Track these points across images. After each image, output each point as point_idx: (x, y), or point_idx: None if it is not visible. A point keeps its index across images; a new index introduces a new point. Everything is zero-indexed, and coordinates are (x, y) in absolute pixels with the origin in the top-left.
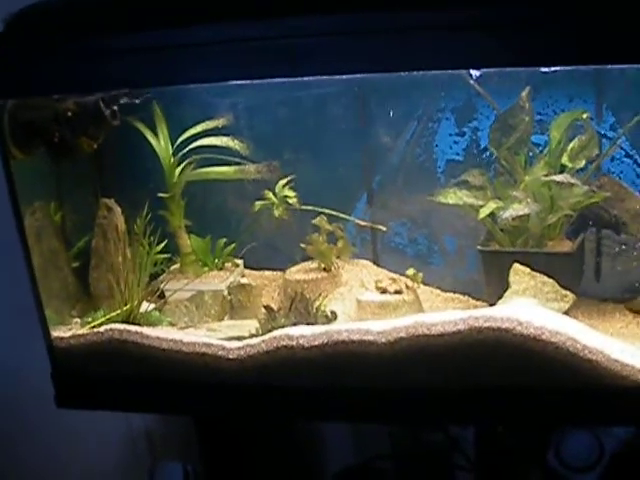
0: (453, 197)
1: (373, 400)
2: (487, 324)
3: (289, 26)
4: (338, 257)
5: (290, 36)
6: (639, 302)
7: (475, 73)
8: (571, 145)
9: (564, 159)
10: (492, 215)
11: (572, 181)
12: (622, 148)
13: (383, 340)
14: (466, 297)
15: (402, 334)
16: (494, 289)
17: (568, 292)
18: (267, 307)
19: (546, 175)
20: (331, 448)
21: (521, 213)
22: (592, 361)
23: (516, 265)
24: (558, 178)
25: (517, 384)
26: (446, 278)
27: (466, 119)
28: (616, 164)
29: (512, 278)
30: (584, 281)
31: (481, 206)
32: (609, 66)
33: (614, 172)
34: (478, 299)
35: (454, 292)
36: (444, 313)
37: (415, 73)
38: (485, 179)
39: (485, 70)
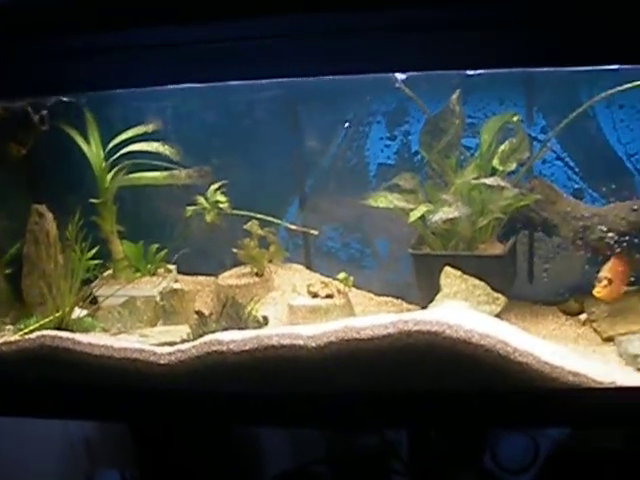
0: (384, 201)
1: (305, 404)
2: (417, 328)
3: (220, 30)
4: (270, 262)
5: (221, 40)
6: (572, 304)
7: (400, 77)
8: (502, 148)
9: (495, 162)
10: (423, 218)
11: (502, 184)
12: (553, 151)
13: (313, 344)
14: (399, 300)
15: (332, 338)
16: (426, 292)
17: (500, 295)
18: (198, 312)
19: (476, 178)
20: (268, 452)
21: (451, 216)
22: (522, 363)
23: (447, 268)
24: (488, 181)
25: (448, 387)
26: (379, 282)
27: (397, 123)
28: (548, 167)
29: (443, 281)
30: (517, 283)
31: (412, 209)
32: (538, 69)
33: (546, 175)
34: (411, 302)
35: (387, 296)
36: (374, 317)
37: (345, 77)
38: (416, 182)
39: (412, 73)
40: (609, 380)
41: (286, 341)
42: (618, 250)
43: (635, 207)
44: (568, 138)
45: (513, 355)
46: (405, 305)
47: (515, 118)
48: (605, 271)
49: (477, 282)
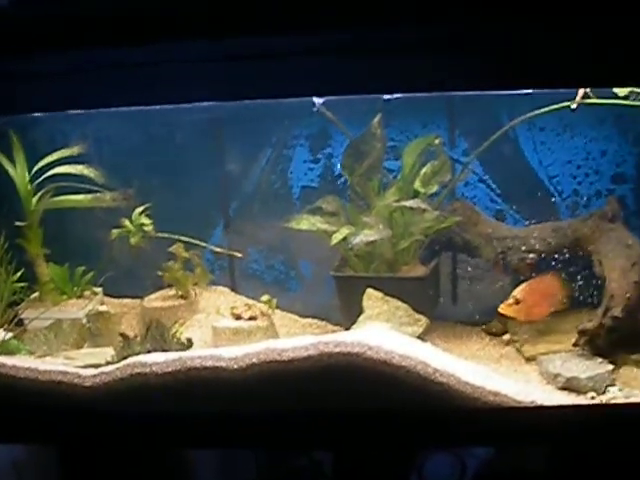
0: (306, 223)
1: (228, 425)
2: (337, 349)
3: (143, 54)
4: (196, 284)
5: (146, 64)
6: (495, 325)
7: (318, 100)
8: (423, 171)
9: (417, 184)
10: (345, 241)
11: (422, 206)
12: (475, 173)
13: (235, 366)
14: (324, 322)
15: (254, 360)
16: (349, 314)
17: (422, 316)
18: (123, 334)
19: (398, 201)
20: (198, 473)
21: (371, 239)
22: (443, 384)
23: (369, 290)
24: (408, 203)
25: (371, 408)
26: (304, 304)
27: (320, 146)
28: (470, 189)
29: (365, 303)
30: (441, 305)
31: (334, 232)
32: (458, 93)
33: (468, 197)
34: (336, 324)
35: (313, 317)
36: (295, 339)
37: (269, 100)
38: (339, 205)
39: (330, 98)
40: (529, 399)
41: (208, 363)
42: (549, 269)
43: (555, 228)
44: (490, 160)
45: (434, 376)
46: (330, 327)
47: (437, 141)
48: (516, 291)
49: (399, 304)
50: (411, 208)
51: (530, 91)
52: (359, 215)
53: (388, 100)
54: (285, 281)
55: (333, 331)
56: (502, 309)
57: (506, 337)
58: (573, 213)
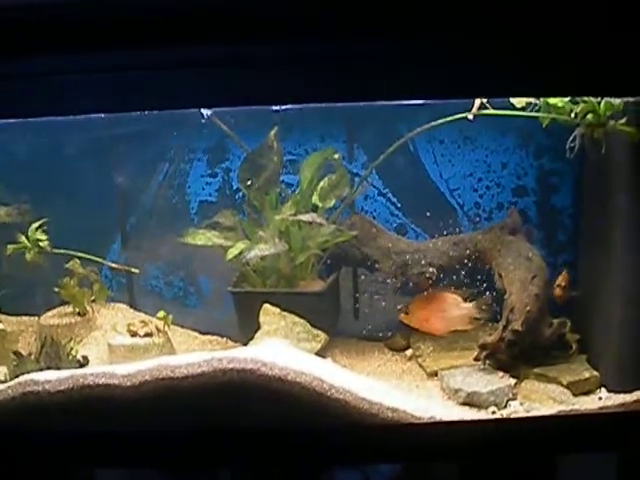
0: (202, 238)
1: (123, 443)
2: (231, 365)
3: (34, 65)
4: (94, 301)
5: (36, 75)
6: (397, 340)
7: (206, 112)
8: (321, 184)
9: (314, 198)
10: (241, 255)
11: (318, 220)
12: (374, 186)
13: (128, 383)
14: (225, 339)
15: (147, 377)
16: (247, 330)
17: (320, 332)
18: (16, 352)
19: (294, 214)
20: None
21: (266, 253)
22: (340, 400)
23: (266, 305)
24: (304, 217)
25: (268, 425)
26: (204, 320)
27: (218, 160)
28: (370, 203)
29: (262, 318)
30: (343, 320)
31: (230, 247)
32: (358, 105)
33: (368, 211)
34: (236, 341)
35: (213, 334)
36: (188, 355)
37: (163, 112)
38: (236, 220)
39: (226, 110)
40: (428, 415)
41: (101, 380)
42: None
43: (456, 241)
44: (390, 174)
45: (330, 392)
46: (230, 343)
47: (335, 155)
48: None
49: (297, 319)
50: (307, 222)
51: (427, 102)
52: (255, 229)
53: (277, 111)
54: (185, 297)
55: (233, 347)
56: (400, 318)
57: (409, 352)
58: (475, 226)
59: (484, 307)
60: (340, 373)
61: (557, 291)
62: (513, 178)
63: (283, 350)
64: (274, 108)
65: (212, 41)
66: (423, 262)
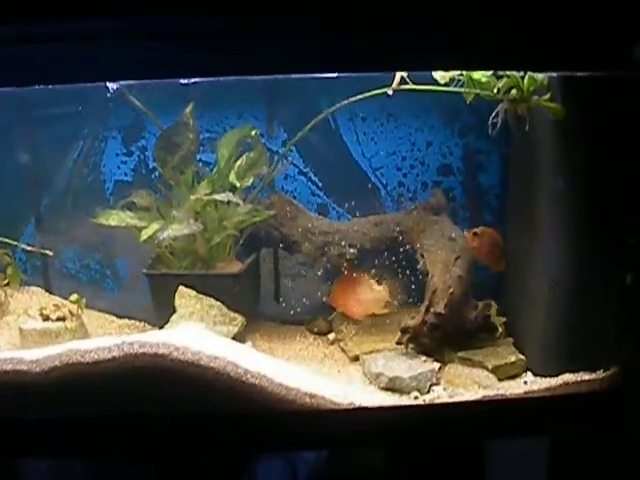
0: (115, 219)
1: (34, 431)
2: (142, 350)
3: None
4: (7, 284)
5: None
6: (319, 323)
7: (112, 86)
8: (238, 163)
9: (232, 177)
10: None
11: (234, 199)
12: (295, 165)
13: (37, 369)
14: (142, 323)
15: (56, 362)
16: (163, 313)
17: (238, 315)
18: None
19: (210, 194)
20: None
21: (180, 233)
22: (255, 385)
23: (181, 288)
24: (218, 197)
25: (182, 411)
26: (122, 303)
27: (133, 138)
28: (290, 182)
29: (178, 302)
30: (264, 303)
31: (145, 227)
32: (278, 80)
33: (288, 190)
34: (155, 325)
35: (131, 318)
36: (98, 339)
37: (75, 88)
38: (152, 200)
39: (130, 82)
40: (348, 401)
41: (8, 366)
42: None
43: (377, 222)
44: (310, 152)
45: (245, 377)
46: (148, 327)
47: (253, 132)
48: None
49: (213, 302)
50: (222, 202)
51: (350, 77)
52: (170, 209)
53: (186, 85)
54: (101, 280)
55: (150, 331)
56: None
57: (331, 336)
58: (398, 206)
59: (397, 290)
60: (257, 358)
61: (471, 240)
62: (438, 157)
63: (197, 334)
64: (182, 81)
65: (114, 13)
66: (343, 243)
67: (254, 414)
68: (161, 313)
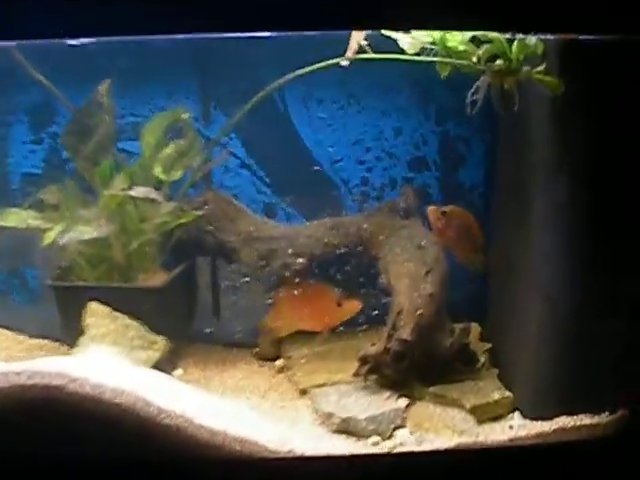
0: (15, 219)
1: None
2: (32, 381)
3: None
4: None
5: None
6: (266, 347)
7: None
8: (166, 152)
9: (157, 170)
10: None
11: (152, 196)
12: (235, 156)
13: None
14: (57, 344)
15: None
16: (72, 334)
17: (159, 338)
18: None
19: (128, 189)
20: None
21: (87, 237)
22: (171, 427)
23: (92, 304)
24: (134, 192)
25: (82, 455)
26: (33, 320)
27: (43, 123)
28: (231, 176)
29: (88, 320)
30: (201, 322)
31: (50, 229)
32: (214, 52)
33: (229, 187)
34: (72, 346)
35: (45, 337)
36: None
37: None
38: (63, 196)
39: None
40: (287, 448)
41: None
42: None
43: (333, 225)
44: (255, 141)
45: (158, 417)
46: (64, 349)
47: (185, 115)
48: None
49: (129, 322)
50: (140, 198)
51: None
52: (77, 207)
53: (74, 46)
54: (8, 292)
55: (68, 354)
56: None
57: (279, 362)
58: (361, 207)
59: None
60: (179, 391)
61: (436, 220)
62: (410, 147)
63: (103, 361)
64: (70, 42)
65: None
66: (291, 251)
67: (168, 462)
68: (70, 333)
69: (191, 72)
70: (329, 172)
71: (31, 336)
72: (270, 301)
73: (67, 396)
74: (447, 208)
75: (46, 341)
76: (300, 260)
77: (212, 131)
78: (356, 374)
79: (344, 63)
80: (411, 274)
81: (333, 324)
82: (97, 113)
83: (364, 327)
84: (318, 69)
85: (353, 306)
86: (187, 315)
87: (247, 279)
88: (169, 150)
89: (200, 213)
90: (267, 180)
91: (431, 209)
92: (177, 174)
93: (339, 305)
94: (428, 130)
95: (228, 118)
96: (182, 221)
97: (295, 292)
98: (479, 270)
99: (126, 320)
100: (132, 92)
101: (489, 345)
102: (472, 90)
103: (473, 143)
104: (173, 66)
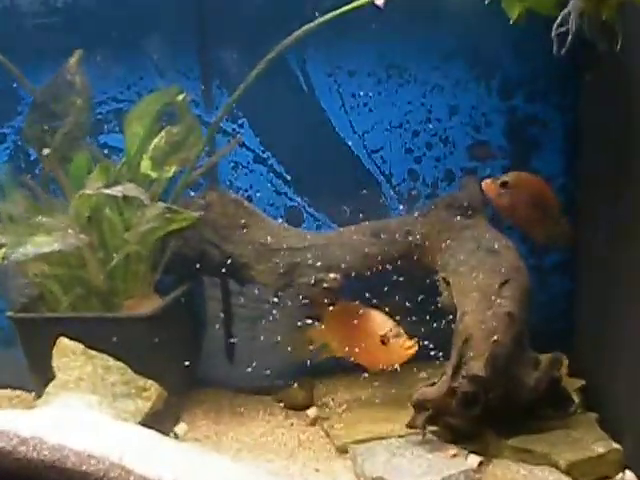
0: None
1: None
2: None
3: None
4: None
5: None
6: (294, 392)
7: None
8: (155, 142)
9: (144, 165)
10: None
11: (135, 194)
12: (247, 147)
13: None
14: (31, 393)
15: None
16: (40, 378)
17: (151, 383)
18: None
19: (106, 187)
20: None
21: (46, 250)
22: None
23: (63, 341)
24: (110, 191)
25: None
26: (2, 365)
27: (6, 115)
28: (242, 174)
29: (57, 361)
30: (211, 361)
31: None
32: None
33: (240, 187)
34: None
35: (12, 387)
36: None
37: None
38: (29, 204)
39: None
40: None
41: None
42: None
43: (376, 230)
44: (273, 129)
45: None
46: (30, 398)
47: (180, 96)
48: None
49: (111, 362)
50: (123, 200)
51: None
52: (37, 214)
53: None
54: None
55: (34, 407)
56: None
57: (311, 412)
58: (408, 207)
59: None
60: (176, 454)
61: (495, 193)
62: (469, 130)
63: (78, 415)
64: None
65: None
66: (320, 264)
67: None
68: (39, 379)
69: (189, 42)
70: (367, 164)
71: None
72: (300, 323)
73: (14, 463)
74: (507, 177)
75: (19, 392)
76: (332, 276)
77: (214, 116)
78: (411, 425)
79: (379, 2)
80: (481, 287)
81: (373, 366)
82: (66, 95)
83: (419, 360)
84: (346, 11)
85: (401, 349)
86: (190, 353)
87: (268, 303)
88: (160, 141)
89: (197, 215)
90: (288, 177)
91: (487, 183)
92: (171, 170)
93: (383, 343)
94: (491, 107)
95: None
96: (175, 227)
97: (350, 309)
98: (567, 244)
99: (107, 360)
100: (114, 70)
101: (582, 382)
102: (558, 21)
103: (550, 122)
104: (167, 36)
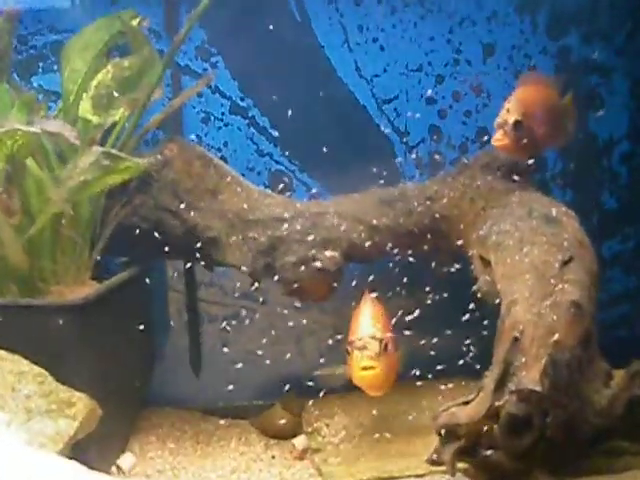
0: None
1: None
2: None
3: None
4: None
5: None
6: (276, 414)
7: None
8: (97, 79)
9: (84, 107)
10: None
11: (62, 132)
12: (220, 92)
13: None
14: None
15: None
16: None
17: (80, 395)
18: None
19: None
20: None
21: None
22: None
23: None
24: (31, 127)
25: None
26: None
27: None
28: (215, 128)
29: None
30: (169, 371)
31: None
32: None
33: (211, 144)
34: None
35: None
36: None
37: None
38: None
39: None
40: None
41: None
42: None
43: (388, 198)
44: (256, 72)
45: None
46: None
47: (135, 21)
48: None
49: (26, 366)
50: (46, 139)
51: None
52: None
53: None
54: None
55: None
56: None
57: (299, 442)
58: (428, 171)
59: None
60: None
61: (500, 135)
62: (507, 76)
63: None
64: None
65: None
66: (311, 238)
67: None
68: None
69: None
70: (376, 118)
71: None
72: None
73: None
74: (512, 110)
75: None
76: (328, 254)
77: (185, 54)
78: (434, 460)
79: None
80: (536, 267)
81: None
82: None
83: (445, 370)
84: None
85: (357, 368)
86: (140, 359)
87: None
88: (106, 76)
89: (146, 162)
90: (273, 133)
91: (498, 138)
92: (117, 114)
93: (348, 353)
94: (537, 47)
95: (207, 32)
96: (117, 178)
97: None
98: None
99: (21, 364)
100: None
101: None
102: None
103: (612, 70)
104: None
